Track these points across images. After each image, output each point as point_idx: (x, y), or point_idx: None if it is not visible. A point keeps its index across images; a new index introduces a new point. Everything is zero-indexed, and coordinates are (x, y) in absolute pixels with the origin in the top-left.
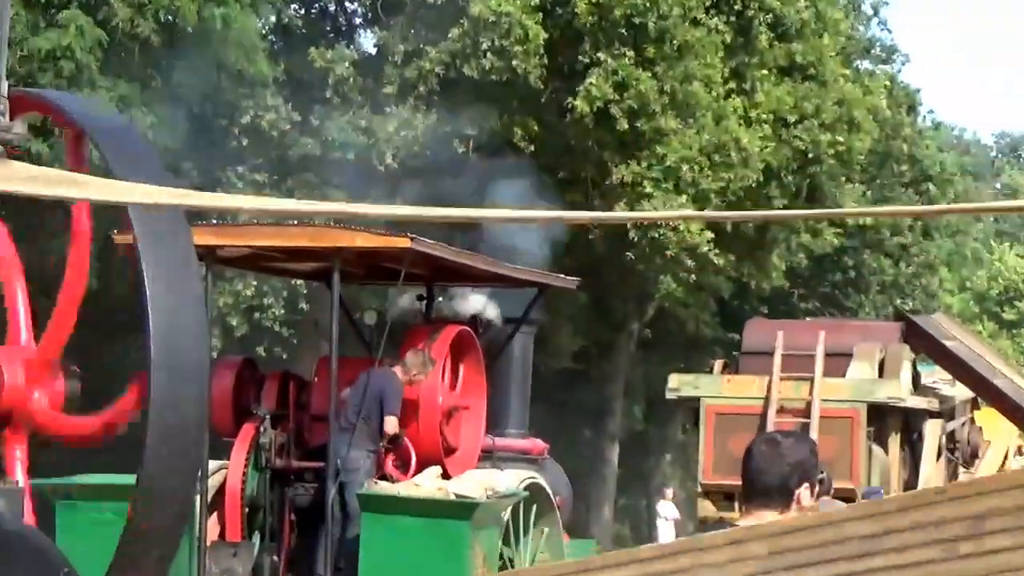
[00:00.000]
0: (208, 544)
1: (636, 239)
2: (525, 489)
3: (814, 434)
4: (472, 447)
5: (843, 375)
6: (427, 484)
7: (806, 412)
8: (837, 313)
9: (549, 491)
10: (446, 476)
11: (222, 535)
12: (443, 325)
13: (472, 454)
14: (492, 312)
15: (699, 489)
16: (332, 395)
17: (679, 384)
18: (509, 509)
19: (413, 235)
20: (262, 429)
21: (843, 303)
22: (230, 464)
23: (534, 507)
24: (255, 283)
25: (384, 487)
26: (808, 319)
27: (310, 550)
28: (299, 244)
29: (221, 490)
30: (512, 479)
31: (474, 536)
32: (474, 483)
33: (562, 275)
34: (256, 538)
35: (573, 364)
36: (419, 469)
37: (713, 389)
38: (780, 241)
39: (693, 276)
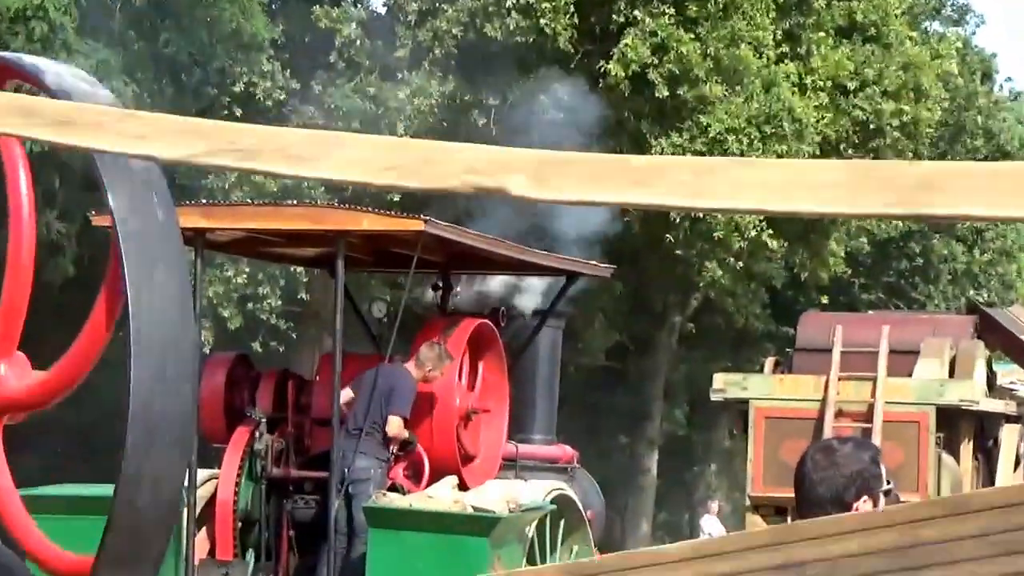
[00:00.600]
0: (197, 563)
1: (677, 220)
2: (552, 502)
3: (877, 440)
4: (493, 455)
5: (909, 374)
6: (442, 496)
7: (868, 416)
8: (903, 305)
9: (579, 504)
10: (463, 487)
11: (212, 553)
12: (460, 318)
13: (492, 462)
14: (516, 303)
15: (747, 502)
16: (336, 396)
17: (725, 384)
18: (534, 524)
19: (427, 217)
20: (257, 434)
21: (909, 294)
22: (221, 473)
23: (562, 522)
24: (248, 270)
25: (394, 499)
26: (870, 312)
27: (311, 569)
28: (299, 226)
29: (211, 502)
30: (537, 490)
31: (494, 554)
32: (495, 495)
33: (594, 262)
34: (250, 556)
35: (607, 362)
36: (433, 479)
37: (763, 390)
38: (839, 224)
39: (740, 263)
